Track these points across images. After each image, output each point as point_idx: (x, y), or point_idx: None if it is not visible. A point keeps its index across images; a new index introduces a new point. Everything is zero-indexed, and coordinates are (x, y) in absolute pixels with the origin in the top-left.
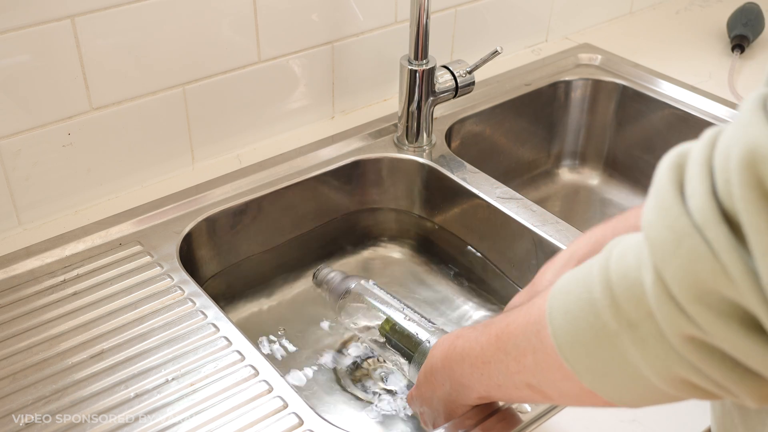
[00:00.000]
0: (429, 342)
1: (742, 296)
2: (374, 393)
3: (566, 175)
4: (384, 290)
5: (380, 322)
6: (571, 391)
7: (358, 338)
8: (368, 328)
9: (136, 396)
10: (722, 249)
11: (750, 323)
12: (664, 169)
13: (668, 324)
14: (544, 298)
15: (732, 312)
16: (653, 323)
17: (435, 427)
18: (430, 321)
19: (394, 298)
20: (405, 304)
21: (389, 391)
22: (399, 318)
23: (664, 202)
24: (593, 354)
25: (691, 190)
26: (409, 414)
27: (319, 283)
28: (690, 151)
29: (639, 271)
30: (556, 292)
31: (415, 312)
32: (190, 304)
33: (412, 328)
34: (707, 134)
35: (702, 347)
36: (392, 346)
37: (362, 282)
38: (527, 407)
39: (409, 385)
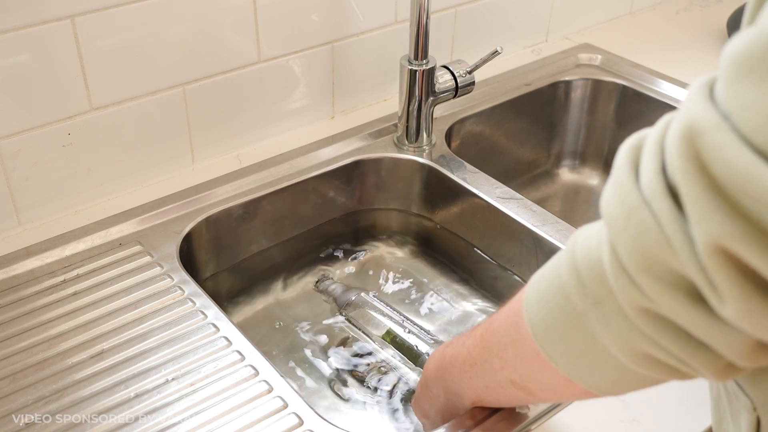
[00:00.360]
0: (428, 354)
1: (682, 266)
2: (374, 392)
3: (566, 175)
4: (384, 303)
5: (381, 334)
6: (550, 381)
7: (358, 338)
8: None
9: (136, 396)
10: (666, 221)
11: (694, 294)
12: (622, 150)
13: (623, 297)
14: (522, 292)
15: (677, 283)
16: (615, 300)
17: None
18: (429, 333)
19: (394, 310)
20: (405, 317)
21: (389, 391)
22: (399, 330)
23: (618, 180)
24: (566, 337)
25: (643, 167)
26: (410, 413)
27: (321, 292)
28: (648, 134)
29: (599, 249)
30: (531, 282)
31: (415, 324)
32: (190, 304)
33: (412, 340)
34: (664, 117)
35: (656, 319)
36: (392, 356)
37: (362, 294)
38: (528, 406)
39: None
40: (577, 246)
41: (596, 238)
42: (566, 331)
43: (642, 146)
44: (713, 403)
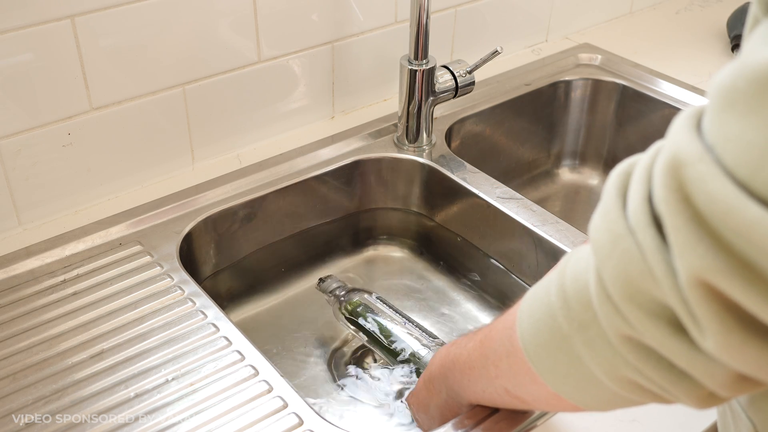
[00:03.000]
0: (429, 356)
1: (665, 296)
2: (375, 392)
3: (566, 175)
4: (387, 304)
5: (382, 335)
6: (540, 395)
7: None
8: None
9: (136, 396)
10: (649, 251)
11: (676, 324)
12: (612, 176)
13: (607, 323)
14: (518, 304)
15: (660, 312)
16: (599, 325)
17: None
18: (431, 335)
19: (396, 312)
20: (407, 318)
21: (390, 390)
22: (400, 331)
23: (606, 206)
24: (553, 356)
25: (630, 195)
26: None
27: (323, 291)
28: (638, 161)
29: (587, 273)
30: (526, 297)
31: (416, 326)
32: (190, 304)
33: (412, 341)
34: (654, 145)
35: (639, 347)
36: (394, 358)
37: (365, 295)
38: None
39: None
40: (568, 267)
41: (585, 262)
42: (554, 350)
43: (632, 173)
44: (719, 416)
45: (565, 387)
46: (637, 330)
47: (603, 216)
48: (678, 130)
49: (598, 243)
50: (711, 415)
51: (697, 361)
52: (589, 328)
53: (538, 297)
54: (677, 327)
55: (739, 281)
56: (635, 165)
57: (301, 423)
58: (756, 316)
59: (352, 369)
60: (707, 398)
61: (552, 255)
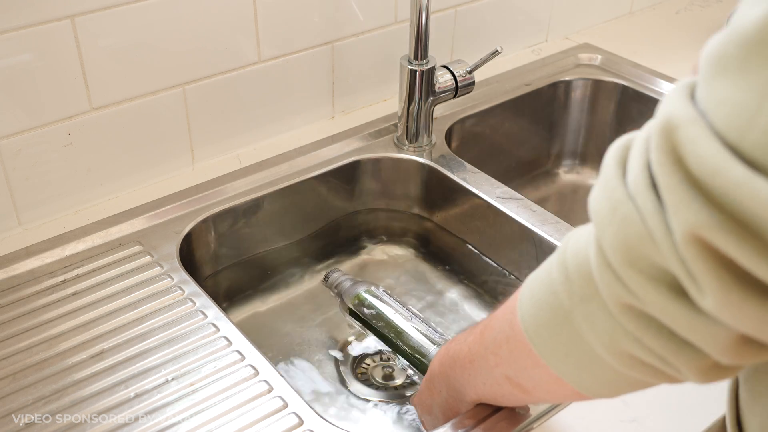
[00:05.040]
0: (436, 351)
1: (664, 258)
2: (377, 391)
3: (566, 175)
4: (393, 297)
5: (388, 329)
6: (541, 378)
7: (359, 336)
8: (376, 333)
9: (136, 396)
10: (648, 213)
11: (676, 288)
12: (611, 150)
13: (607, 292)
14: (519, 289)
15: (660, 277)
16: (599, 298)
17: None
18: (437, 330)
19: (403, 306)
20: (413, 313)
21: (390, 390)
22: (407, 326)
23: (606, 177)
24: (554, 335)
25: (630, 165)
26: (411, 413)
27: (329, 286)
28: (636, 135)
29: (587, 247)
30: (526, 281)
31: (423, 321)
32: (190, 304)
33: (419, 336)
34: (652, 120)
35: (639, 316)
36: (399, 353)
37: (372, 288)
38: (528, 406)
39: (412, 383)
40: (569, 245)
41: (585, 237)
42: (555, 328)
43: (630, 146)
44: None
45: (565, 367)
46: (638, 296)
47: (602, 186)
48: (671, 96)
49: (597, 211)
50: (711, 415)
51: (698, 325)
52: (589, 301)
53: (539, 278)
54: (677, 291)
55: (732, 237)
56: (634, 139)
57: (301, 423)
58: (752, 273)
59: (353, 369)
60: (709, 370)
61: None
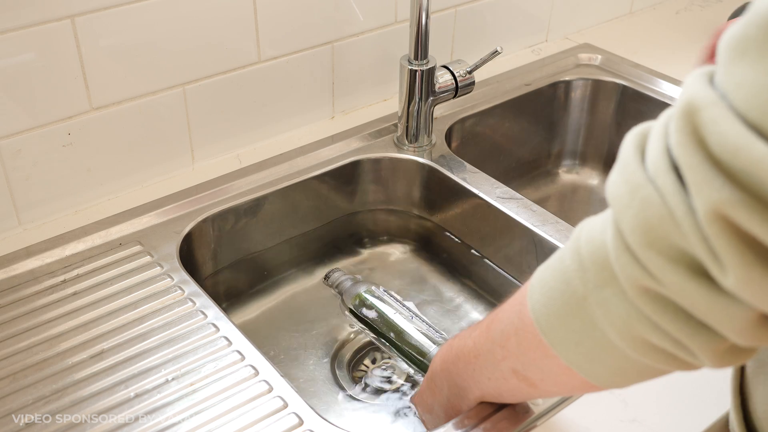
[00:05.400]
0: (436, 350)
1: (685, 238)
2: (375, 392)
3: (566, 175)
4: (394, 297)
5: (388, 329)
6: (550, 370)
7: (359, 336)
8: (376, 332)
9: (136, 396)
10: (669, 193)
11: (696, 268)
12: (629, 136)
13: (625, 275)
14: (528, 281)
15: (680, 258)
16: (616, 283)
17: None
18: (438, 330)
19: (403, 305)
20: (414, 313)
21: (390, 390)
22: (407, 326)
23: (624, 161)
24: (566, 323)
25: (649, 149)
26: (411, 413)
27: (330, 285)
28: (654, 123)
29: (603, 233)
30: (537, 271)
31: (423, 321)
32: (190, 304)
33: (420, 336)
34: (668, 109)
35: (656, 299)
36: (400, 353)
37: (373, 287)
38: (529, 405)
39: (412, 383)
40: (582, 233)
41: (601, 224)
42: (567, 316)
43: (648, 133)
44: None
45: (576, 357)
46: (656, 278)
47: (621, 170)
48: (691, 81)
49: (615, 195)
50: (712, 415)
51: (717, 305)
52: (604, 287)
53: (551, 267)
54: (697, 272)
55: (757, 215)
56: (651, 126)
57: (301, 423)
58: None
59: (353, 369)
60: (725, 354)
61: (552, 255)
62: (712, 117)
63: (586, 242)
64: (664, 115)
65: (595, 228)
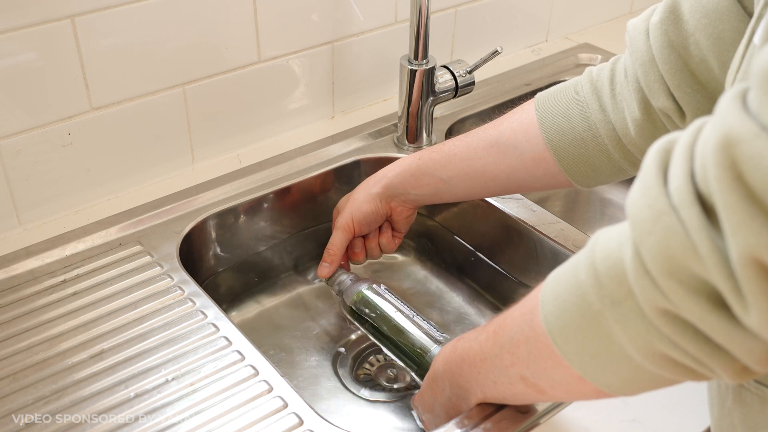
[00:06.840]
0: (437, 351)
1: (708, 273)
2: (377, 391)
3: None
4: (395, 295)
5: (389, 328)
6: (562, 379)
7: (360, 336)
8: (377, 331)
9: (136, 396)
10: (693, 227)
11: (716, 299)
12: (652, 152)
13: (644, 298)
14: (538, 290)
15: (700, 288)
16: (633, 300)
17: None
18: (438, 330)
19: (405, 304)
20: (415, 311)
21: (391, 390)
22: (408, 324)
23: (647, 183)
24: (581, 336)
25: (672, 173)
26: (412, 413)
27: (331, 284)
28: (678, 138)
29: (621, 250)
30: (548, 280)
31: (424, 320)
32: (190, 304)
33: (420, 335)
34: (695, 123)
35: (676, 321)
36: (400, 351)
37: (374, 286)
38: (530, 405)
39: (413, 384)
40: (597, 247)
41: (617, 239)
42: (581, 329)
43: (672, 150)
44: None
45: (591, 368)
46: (676, 305)
47: (643, 192)
48: (726, 108)
49: (637, 218)
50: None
51: (736, 337)
52: (622, 303)
53: (564, 278)
54: (717, 302)
55: None
56: (675, 142)
57: (301, 423)
58: None
59: (353, 369)
60: (741, 372)
61: (552, 255)
62: (755, 151)
63: (601, 257)
64: (689, 133)
65: (611, 242)
